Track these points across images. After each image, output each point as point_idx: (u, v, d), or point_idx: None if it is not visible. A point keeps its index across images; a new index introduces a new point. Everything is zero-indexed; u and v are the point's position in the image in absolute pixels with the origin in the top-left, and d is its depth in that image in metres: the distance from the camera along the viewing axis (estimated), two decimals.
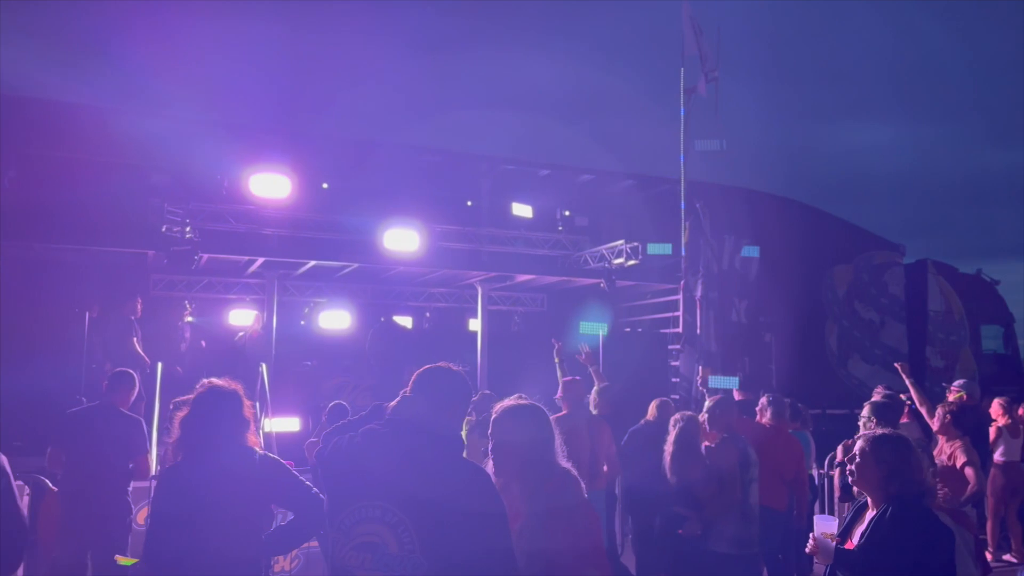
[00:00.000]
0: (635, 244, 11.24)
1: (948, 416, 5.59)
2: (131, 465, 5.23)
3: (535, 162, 13.31)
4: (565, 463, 2.71)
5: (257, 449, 3.06)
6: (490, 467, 2.62)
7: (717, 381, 7.28)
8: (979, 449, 6.90)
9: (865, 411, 4.97)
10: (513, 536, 2.35)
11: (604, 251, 11.78)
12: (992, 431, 7.76)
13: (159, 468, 5.80)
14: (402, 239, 10.25)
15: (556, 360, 7.27)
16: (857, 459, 2.94)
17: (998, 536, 7.77)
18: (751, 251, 10.50)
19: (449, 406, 2.40)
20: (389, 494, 2.17)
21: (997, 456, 7.69)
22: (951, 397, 7.66)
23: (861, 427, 4.86)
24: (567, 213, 13.24)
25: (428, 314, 13.80)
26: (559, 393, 6.32)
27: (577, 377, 6.48)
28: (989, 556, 7.36)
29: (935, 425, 5.70)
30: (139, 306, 9.11)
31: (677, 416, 5.28)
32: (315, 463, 4.60)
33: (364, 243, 10.38)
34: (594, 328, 9.14)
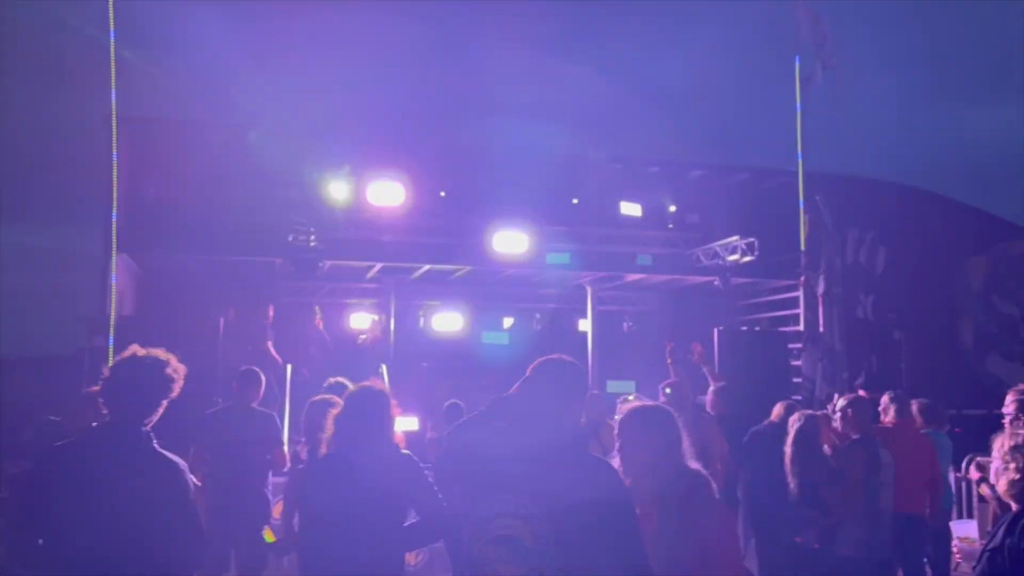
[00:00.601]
0: (751, 240, 10.92)
1: None
2: (268, 457, 5.55)
3: (644, 159, 13.16)
4: (695, 464, 2.68)
5: (401, 448, 3.21)
6: (617, 467, 2.63)
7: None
8: None
9: (1011, 407, 4.65)
10: (645, 537, 2.34)
11: (717, 248, 11.50)
12: None
13: (291, 465, 6.12)
14: (511, 241, 10.38)
15: (668, 361, 7.17)
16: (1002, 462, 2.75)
17: None
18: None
19: (568, 398, 2.42)
20: (521, 488, 2.22)
21: None
22: None
23: (1007, 425, 4.56)
24: (677, 210, 13.01)
25: (538, 315, 13.91)
26: (661, 397, 6.22)
27: (677, 380, 6.36)
28: None
29: None
30: (272, 311, 9.67)
31: (795, 416, 5.12)
32: (437, 461, 4.76)
33: (475, 246, 10.59)
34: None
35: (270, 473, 5.70)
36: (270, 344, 9.20)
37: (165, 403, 2.87)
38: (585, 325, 12.49)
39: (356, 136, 12.15)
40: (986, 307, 13.40)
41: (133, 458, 2.73)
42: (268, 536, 4.32)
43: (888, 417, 5.60)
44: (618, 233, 12.08)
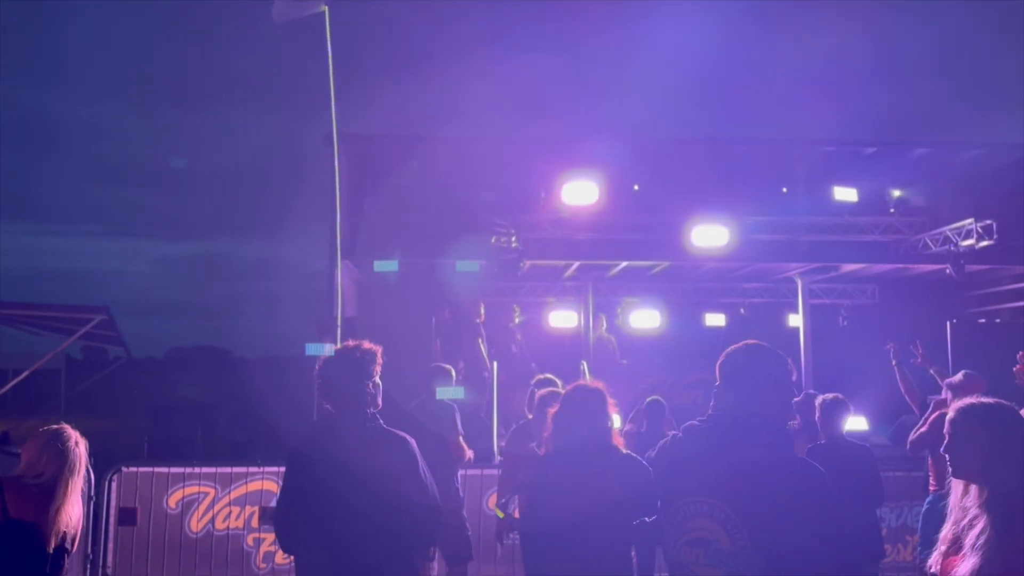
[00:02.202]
0: (987, 222, 9.77)
1: None
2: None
3: (859, 140, 12.21)
4: None
5: (621, 448, 3.22)
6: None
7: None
8: None
9: None
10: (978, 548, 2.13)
11: (948, 232, 10.40)
12: None
13: (501, 459, 6.33)
14: (710, 235, 10.06)
15: (893, 363, 6.54)
16: None
17: None
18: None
19: (762, 392, 2.29)
20: (716, 490, 2.17)
21: None
22: None
23: None
24: (899, 193, 11.93)
25: (742, 310, 13.36)
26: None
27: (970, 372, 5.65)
28: None
29: None
30: (483, 310, 10.12)
31: None
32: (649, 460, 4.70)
33: (672, 241, 10.37)
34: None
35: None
36: (480, 341, 9.63)
37: (372, 386, 3.07)
38: (796, 320, 11.81)
39: (551, 137, 12.38)
40: None
41: (366, 436, 2.98)
42: (499, 512, 4.55)
43: None
44: (831, 221, 11.28)
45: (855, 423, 7.42)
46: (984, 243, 9.88)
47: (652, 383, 10.57)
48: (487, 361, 9.29)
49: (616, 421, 8.64)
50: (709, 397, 2.43)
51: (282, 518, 3.00)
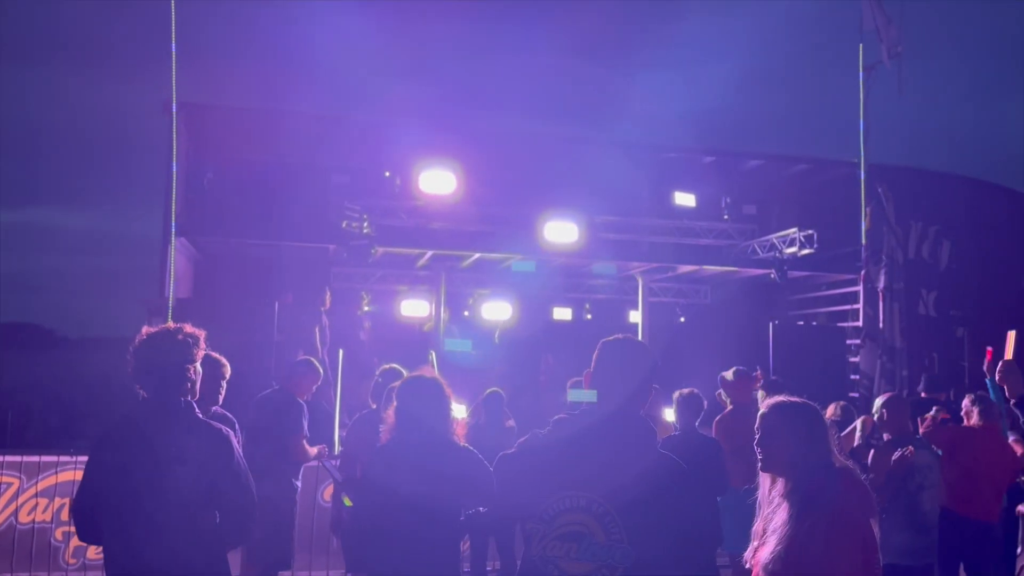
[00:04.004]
0: (809, 232, 10.64)
1: None
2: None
3: (699, 148, 12.92)
4: (844, 461, 2.57)
5: (459, 440, 3.17)
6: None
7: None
8: None
9: None
10: (778, 540, 2.26)
11: (775, 240, 11.24)
12: None
13: (341, 450, 6.13)
14: (561, 231, 10.31)
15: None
16: None
17: None
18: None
19: (636, 384, 2.31)
20: (592, 484, 2.16)
21: None
22: None
23: None
24: (732, 201, 12.75)
25: (588, 306, 13.81)
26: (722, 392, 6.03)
27: (741, 368, 6.15)
28: None
29: None
30: (328, 297, 9.77)
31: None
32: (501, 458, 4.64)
33: (525, 235, 10.55)
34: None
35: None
36: (317, 330, 9.27)
37: (192, 371, 2.90)
38: (636, 316, 12.37)
39: (408, 121, 12.21)
40: None
41: (178, 425, 2.81)
42: (347, 501, 4.33)
43: (972, 420, 5.32)
44: (671, 224, 11.90)
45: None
46: (805, 251, 10.75)
47: (499, 375, 10.71)
48: (319, 350, 8.98)
49: (461, 412, 8.66)
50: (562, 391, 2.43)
51: (80, 507, 2.81)
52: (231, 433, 2.89)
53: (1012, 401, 3.12)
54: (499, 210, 11.21)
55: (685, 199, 12.22)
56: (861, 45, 10.52)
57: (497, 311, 12.07)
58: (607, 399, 2.28)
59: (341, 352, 7.96)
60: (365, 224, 9.37)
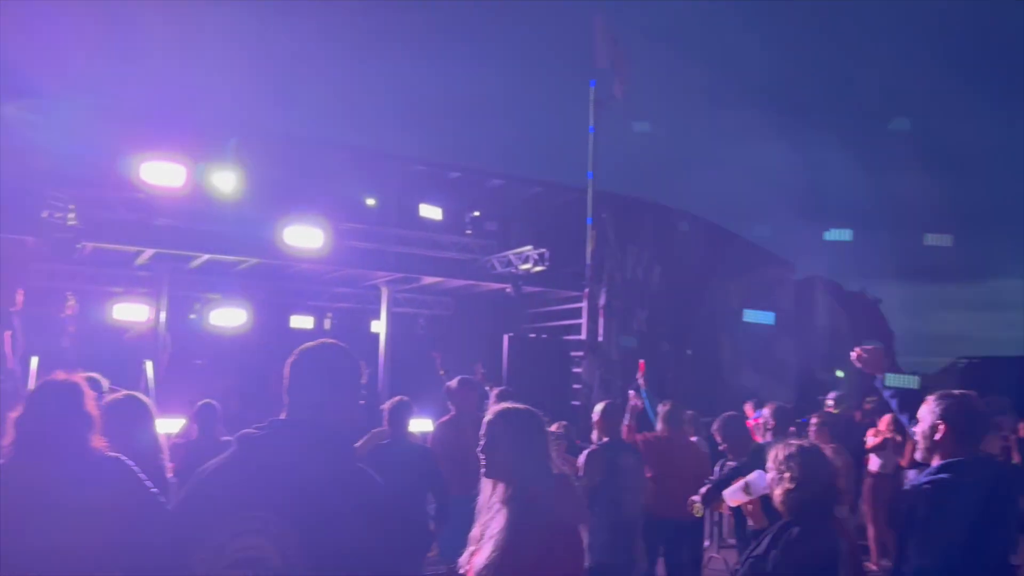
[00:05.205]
0: (542, 250, 11.31)
1: (823, 425, 6.02)
2: None
3: (445, 164, 13.21)
4: (563, 468, 2.59)
5: (102, 450, 2.66)
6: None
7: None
8: (854, 457, 7.26)
9: (771, 421, 5.12)
10: (494, 543, 2.22)
11: (511, 256, 11.80)
12: (873, 441, 8.15)
13: None
14: (304, 236, 9.95)
15: (442, 372, 7.19)
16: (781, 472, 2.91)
17: (878, 543, 8.12)
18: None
19: (332, 394, 2.17)
20: (271, 504, 1.99)
21: (873, 467, 8.07)
22: (828, 408, 8.06)
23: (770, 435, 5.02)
24: (477, 215, 13.20)
25: (330, 315, 13.46)
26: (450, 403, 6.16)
27: (466, 377, 6.36)
28: (873, 566, 7.72)
29: (812, 434, 6.00)
30: (20, 297, 8.45)
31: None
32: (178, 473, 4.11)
33: (263, 238, 10.01)
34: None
35: None
36: (8, 336, 8.00)
37: None
38: (378, 326, 12.28)
39: (135, 111, 11.05)
40: (743, 325, 14.93)
41: None
42: None
43: (660, 426, 5.94)
44: (417, 235, 12.01)
45: (422, 424, 7.87)
46: (538, 268, 11.42)
47: (227, 386, 10.03)
48: (11, 357, 7.79)
49: (174, 427, 7.93)
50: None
51: None
52: None
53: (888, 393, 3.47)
54: (235, 209, 10.52)
55: (431, 211, 12.42)
56: (593, 81, 11.46)
57: (228, 318, 11.30)
58: (299, 409, 2.15)
59: (35, 360, 6.95)
60: (71, 215, 8.25)
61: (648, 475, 5.37)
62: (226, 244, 10.37)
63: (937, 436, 2.91)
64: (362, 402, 2.32)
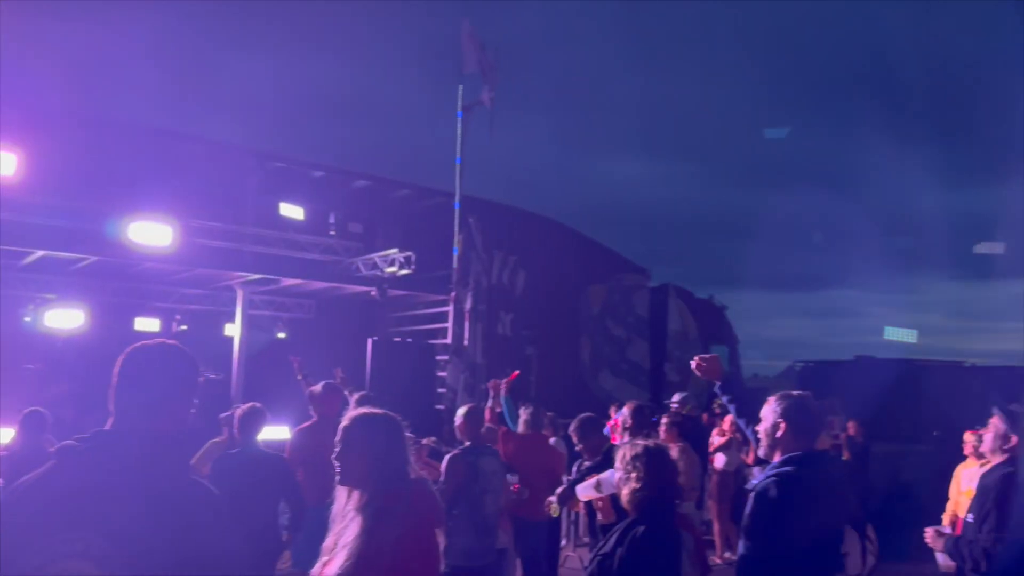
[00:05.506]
0: (408, 254, 11.21)
1: (672, 425, 6.36)
2: None
3: (309, 162, 12.83)
4: (421, 472, 2.53)
5: None
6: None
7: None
8: (700, 456, 7.68)
9: (629, 420, 5.31)
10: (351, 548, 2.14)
11: (377, 259, 11.62)
12: (719, 441, 8.64)
13: None
14: (151, 232, 9.36)
15: (300, 377, 6.98)
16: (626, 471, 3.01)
17: (723, 537, 8.60)
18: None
19: (163, 402, 2.00)
20: (93, 524, 1.82)
21: (719, 464, 8.56)
22: (674, 409, 8.48)
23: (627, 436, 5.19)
24: (341, 216, 12.91)
25: (179, 317, 12.73)
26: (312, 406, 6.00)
27: (330, 382, 6.21)
28: (718, 559, 8.16)
29: (662, 434, 6.30)
30: None
31: None
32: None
33: (105, 234, 9.33)
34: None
35: None
36: None
37: None
38: (233, 330, 11.72)
39: None
40: (601, 329, 15.43)
41: None
42: None
43: (521, 429, 6.02)
44: (276, 235, 11.57)
45: (277, 432, 7.59)
46: (404, 271, 11.31)
47: (62, 393, 9.25)
48: None
49: (6, 436, 7.23)
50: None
51: None
52: None
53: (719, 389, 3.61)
54: (74, 203, 9.75)
55: (293, 211, 12.02)
56: (461, 86, 11.52)
57: (64, 319, 10.45)
58: (126, 417, 1.97)
59: None
60: None
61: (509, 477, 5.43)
62: (62, 240, 9.59)
63: (779, 434, 3.11)
64: (193, 410, 2.15)
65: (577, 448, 5.35)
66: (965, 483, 5.88)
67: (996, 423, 3.75)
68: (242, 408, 4.95)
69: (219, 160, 11.91)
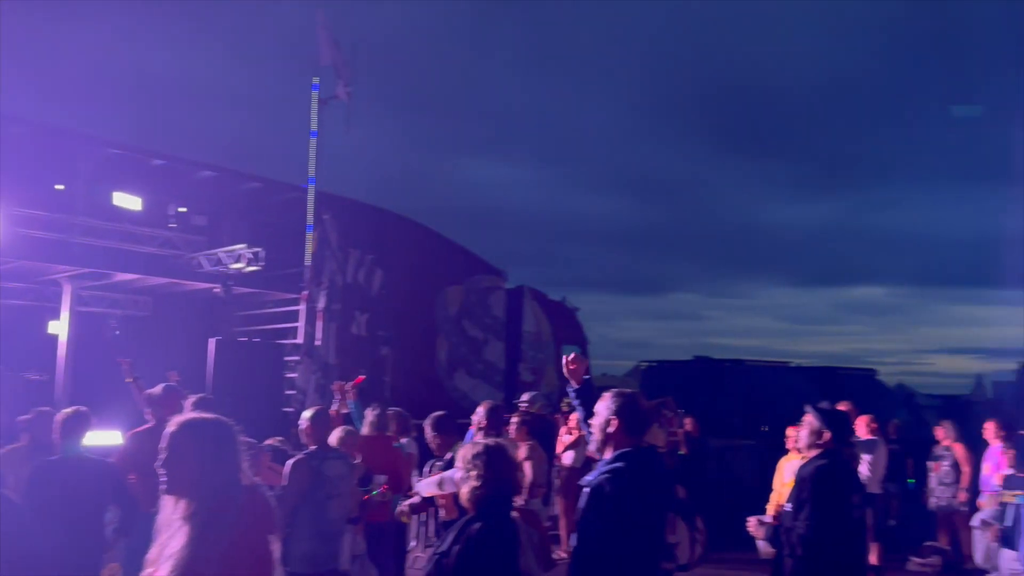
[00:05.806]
0: (257, 249, 10.76)
1: (521, 424, 6.50)
2: None
3: (148, 150, 12.02)
4: (254, 479, 2.44)
5: None
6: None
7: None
8: (548, 453, 7.89)
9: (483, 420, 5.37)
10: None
11: (222, 254, 11.05)
12: (568, 439, 8.89)
13: None
14: None
15: (129, 380, 6.60)
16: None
17: (569, 532, 8.85)
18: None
19: None
20: None
21: (567, 461, 8.81)
22: (523, 408, 8.68)
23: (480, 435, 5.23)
24: (183, 210, 12.17)
25: None
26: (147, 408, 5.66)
27: (171, 384, 5.88)
28: (563, 553, 8.39)
29: (511, 432, 6.44)
30: None
31: None
32: None
33: None
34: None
35: None
36: None
37: None
38: (58, 327, 10.78)
39: None
40: (458, 330, 15.48)
41: None
42: None
43: (365, 429, 5.95)
44: (109, 226, 10.76)
45: (108, 437, 7.07)
46: (252, 268, 10.84)
47: None
48: None
49: None
50: None
51: None
52: None
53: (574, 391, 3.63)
54: None
55: (128, 201, 11.23)
56: (317, 78, 11.20)
57: None
58: None
59: None
60: None
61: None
62: None
63: (610, 429, 3.25)
64: (27, 416, 2.01)
65: (431, 445, 5.35)
66: (787, 475, 6.37)
67: (810, 420, 4.09)
68: (64, 412, 4.63)
69: (48, 144, 10.92)
